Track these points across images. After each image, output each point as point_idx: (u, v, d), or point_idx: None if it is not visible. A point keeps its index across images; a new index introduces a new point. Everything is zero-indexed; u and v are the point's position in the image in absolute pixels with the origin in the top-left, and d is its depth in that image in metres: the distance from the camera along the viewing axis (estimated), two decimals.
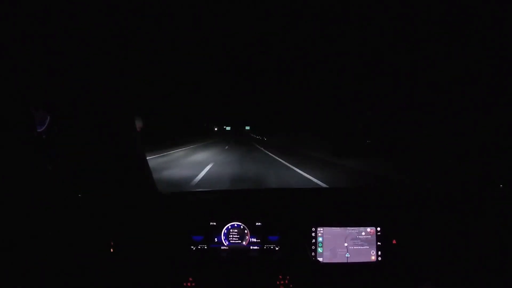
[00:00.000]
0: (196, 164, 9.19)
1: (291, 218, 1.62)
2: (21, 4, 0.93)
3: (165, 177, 6.36)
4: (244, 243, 1.59)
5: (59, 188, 1.30)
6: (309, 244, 1.58)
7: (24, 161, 1.12)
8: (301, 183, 6.35)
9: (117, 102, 1.42)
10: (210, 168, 8.04)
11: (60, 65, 1.18)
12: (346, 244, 1.59)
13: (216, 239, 1.59)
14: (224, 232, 1.59)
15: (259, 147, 22.51)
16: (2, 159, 1.04)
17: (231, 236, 1.59)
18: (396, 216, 1.64)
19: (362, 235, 1.60)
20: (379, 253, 1.59)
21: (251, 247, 1.59)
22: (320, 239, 1.58)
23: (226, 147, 20.99)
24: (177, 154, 13.14)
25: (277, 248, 1.58)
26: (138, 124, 1.49)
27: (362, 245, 1.59)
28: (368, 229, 1.61)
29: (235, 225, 1.60)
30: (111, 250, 1.45)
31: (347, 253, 1.58)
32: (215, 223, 1.60)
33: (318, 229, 1.59)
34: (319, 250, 1.58)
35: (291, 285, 1.49)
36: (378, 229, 1.61)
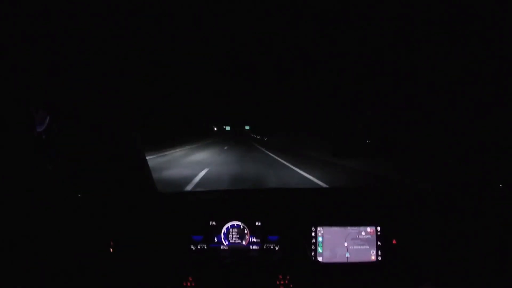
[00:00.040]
0: (195, 164, 9.19)
1: (291, 218, 1.61)
2: (21, 4, 0.93)
3: (162, 178, 6.37)
4: (244, 243, 1.59)
5: (58, 188, 1.30)
6: (309, 244, 1.58)
7: (23, 161, 1.12)
8: (304, 183, 6.36)
9: (117, 102, 1.42)
10: (206, 173, 8.00)
11: (60, 65, 1.18)
12: (346, 244, 1.59)
13: (215, 239, 1.58)
14: (223, 232, 1.59)
15: (259, 147, 22.03)
16: (2, 159, 1.04)
17: (231, 236, 1.59)
18: (396, 216, 1.64)
19: (362, 235, 1.60)
20: (379, 253, 1.59)
21: (251, 247, 1.59)
22: (320, 239, 1.58)
23: (226, 147, 20.26)
24: (176, 154, 13.14)
25: (277, 248, 1.58)
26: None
27: (362, 245, 1.59)
28: (368, 229, 1.60)
29: (235, 225, 1.60)
30: (111, 250, 1.45)
31: (347, 253, 1.58)
32: (214, 223, 1.59)
33: (318, 228, 1.59)
34: (319, 250, 1.57)
35: (291, 285, 1.49)
36: (378, 229, 1.61)
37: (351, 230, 1.60)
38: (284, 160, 11.19)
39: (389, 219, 1.62)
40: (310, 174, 7.42)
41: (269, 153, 15.61)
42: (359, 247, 1.59)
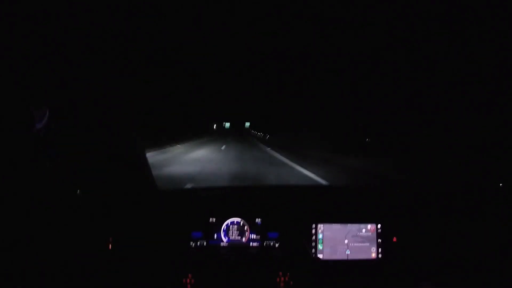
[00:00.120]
0: (190, 163, 9.19)
1: (291, 214, 1.61)
2: (21, 4, 0.93)
3: (162, 174, 6.37)
4: (243, 239, 1.59)
5: (57, 185, 1.30)
6: (309, 241, 1.58)
7: (23, 160, 1.11)
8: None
9: (117, 100, 1.42)
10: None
11: (60, 65, 1.18)
12: (346, 241, 1.58)
13: (215, 235, 1.58)
14: (223, 229, 1.59)
15: (263, 145, 20.46)
16: (1, 158, 1.04)
17: (231, 232, 1.59)
18: (396, 213, 1.64)
19: (362, 232, 1.60)
20: (380, 250, 1.59)
21: (251, 244, 1.58)
22: (320, 236, 1.58)
23: (223, 147, 17.35)
24: (176, 151, 13.14)
25: (277, 245, 1.57)
26: None
27: (362, 242, 1.59)
28: (369, 226, 1.60)
29: (235, 221, 1.60)
30: (110, 247, 1.44)
31: (348, 250, 1.58)
32: (214, 220, 1.59)
33: (318, 225, 1.59)
34: (319, 247, 1.57)
35: (291, 282, 1.49)
36: (379, 226, 1.61)
37: (352, 227, 1.60)
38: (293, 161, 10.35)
39: (390, 217, 1.62)
40: (313, 173, 7.42)
41: (278, 154, 13.29)
42: (360, 244, 1.59)
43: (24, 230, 1.11)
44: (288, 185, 3.17)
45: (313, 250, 1.57)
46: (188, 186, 5.19)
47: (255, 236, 1.59)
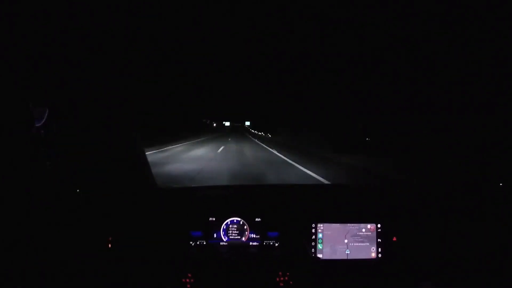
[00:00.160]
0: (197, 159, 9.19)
1: (290, 214, 1.61)
2: (21, 4, 0.92)
3: (162, 172, 6.37)
4: (243, 239, 1.58)
5: (57, 185, 1.30)
6: (309, 240, 1.57)
7: (22, 159, 1.11)
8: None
9: (117, 100, 1.42)
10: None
11: (60, 65, 1.17)
12: (346, 241, 1.58)
13: (215, 235, 1.58)
14: (223, 228, 1.58)
15: (266, 146, 18.40)
16: (1, 157, 1.04)
17: (230, 232, 1.59)
18: (396, 213, 1.64)
19: (362, 232, 1.59)
20: (379, 250, 1.59)
21: (251, 243, 1.58)
22: (320, 235, 1.58)
23: (221, 148, 15.25)
24: (176, 149, 13.15)
25: (276, 244, 1.57)
26: None
27: (362, 242, 1.59)
28: (369, 226, 1.60)
29: (235, 220, 1.59)
30: (109, 246, 1.44)
31: (347, 250, 1.57)
32: (214, 219, 1.59)
33: (318, 225, 1.59)
34: (319, 246, 1.57)
35: (290, 282, 1.48)
36: (379, 226, 1.61)
37: (351, 226, 1.60)
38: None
39: (390, 217, 1.62)
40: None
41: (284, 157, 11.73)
42: (359, 244, 1.58)
43: (24, 229, 1.11)
44: (287, 184, 3.16)
45: (313, 250, 1.57)
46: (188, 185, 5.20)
47: (254, 235, 1.59)
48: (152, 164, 1.64)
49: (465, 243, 1.57)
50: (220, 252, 1.56)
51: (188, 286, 1.46)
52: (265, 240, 1.58)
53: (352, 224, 1.60)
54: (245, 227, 1.59)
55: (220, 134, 40.19)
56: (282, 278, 1.48)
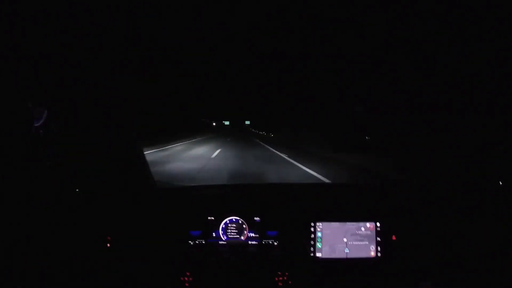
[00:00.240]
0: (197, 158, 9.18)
1: (289, 213, 1.61)
2: (20, 4, 0.92)
3: (163, 171, 6.35)
4: (242, 238, 1.58)
5: (56, 184, 1.30)
6: (308, 239, 1.57)
7: (22, 159, 1.11)
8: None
9: (116, 100, 1.42)
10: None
11: (59, 65, 1.17)
12: (345, 240, 1.58)
13: (214, 234, 1.58)
14: (222, 227, 1.58)
15: (269, 147, 16.19)
16: (0, 157, 1.04)
17: (229, 231, 1.58)
18: (395, 212, 1.64)
19: (361, 231, 1.59)
20: (379, 249, 1.58)
21: (250, 242, 1.58)
22: (319, 234, 1.58)
23: (217, 151, 11.78)
24: (176, 148, 13.14)
25: (275, 243, 1.57)
26: None
27: (361, 241, 1.58)
28: (368, 225, 1.60)
29: (233, 220, 1.59)
30: (108, 245, 1.44)
31: (346, 249, 1.57)
32: (213, 218, 1.58)
33: (317, 224, 1.58)
34: (318, 245, 1.57)
35: (289, 282, 1.48)
36: (378, 224, 1.60)
37: (351, 225, 1.59)
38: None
39: (389, 215, 1.62)
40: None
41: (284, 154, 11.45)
42: (359, 242, 1.58)
43: (24, 229, 1.10)
44: (286, 183, 3.16)
45: (312, 249, 1.56)
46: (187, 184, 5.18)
47: (253, 234, 1.58)
48: (152, 163, 1.63)
49: (465, 242, 1.56)
50: (219, 251, 1.55)
51: (187, 284, 1.45)
52: (264, 239, 1.57)
53: (351, 223, 1.59)
54: (244, 226, 1.58)
55: (219, 134, 39.12)
56: (281, 278, 1.48)
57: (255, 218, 1.59)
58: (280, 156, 11.36)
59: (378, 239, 1.59)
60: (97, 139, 1.43)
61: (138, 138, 1.52)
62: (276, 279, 1.48)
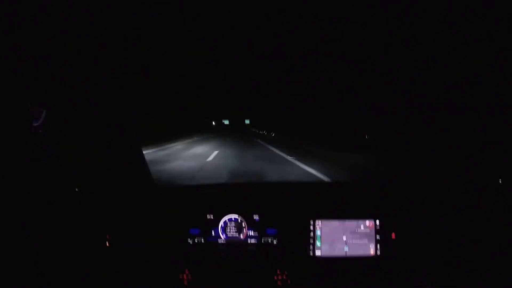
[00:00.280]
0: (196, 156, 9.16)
1: (288, 211, 1.60)
2: (21, 4, 0.92)
3: (163, 170, 6.35)
4: (241, 236, 1.58)
5: (55, 183, 1.29)
6: (307, 237, 1.57)
7: (20, 157, 1.11)
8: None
9: (115, 100, 1.42)
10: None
11: (58, 65, 1.17)
12: (344, 238, 1.58)
13: (213, 232, 1.57)
14: (221, 226, 1.58)
15: (274, 149, 14.71)
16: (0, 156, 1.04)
17: (228, 229, 1.58)
18: (395, 210, 1.63)
19: (361, 229, 1.59)
20: (378, 247, 1.58)
21: (249, 241, 1.58)
22: (318, 232, 1.57)
23: (215, 153, 10.00)
24: (176, 147, 13.16)
25: (275, 242, 1.57)
26: None
27: (360, 239, 1.58)
28: (367, 223, 1.60)
29: (233, 218, 1.59)
30: (107, 244, 1.44)
31: (346, 247, 1.57)
32: (212, 217, 1.58)
33: (316, 222, 1.58)
34: (317, 243, 1.56)
35: (288, 281, 1.48)
36: (377, 222, 1.60)
37: (350, 223, 1.59)
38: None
39: (388, 213, 1.62)
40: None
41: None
42: (358, 241, 1.58)
43: (23, 229, 1.10)
44: (285, 182, 3.16)
45: (311, 247, 1.56)
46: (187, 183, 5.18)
47: (253, 232, 1.58)
48: (152, 162, 1.62)
49: (464, 240, 1.56)
50: (218, 250, 1.55)
51: (185, 283, 1.45)
52: (263, 238, 1.57)
53: (351, 221, 1.59)
54: (243, 224, 1.58)
55: (218, 133, 37.90)
56: (280, 277, 1.48)
57: (254, 217, 1.59)
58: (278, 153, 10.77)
59: (378, 237, 1.58)
60: (96, 138, 1.43)
61: (137, 138, 1.52)
62: (275, 278, 1.48)
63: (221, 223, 1.58)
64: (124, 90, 1.48)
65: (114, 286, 1.42)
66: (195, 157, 9.29)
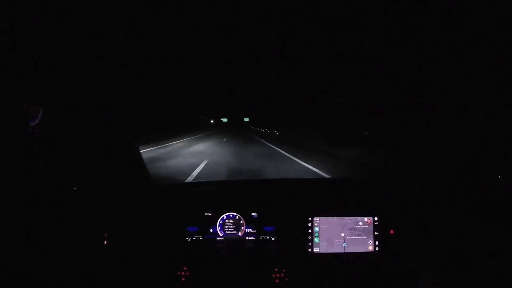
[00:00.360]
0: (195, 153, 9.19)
1: (287, 208, 1.60)
2: (21, 4, 0.92)
3: (163, 167, 6.35)
4: (239, 234, 1.58)
5: (53, 183, 1.29)
6: (305, 234, 1.57)
7: (18, 157, 1.11)
8: None
9: (114, 99, 1.41)
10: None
11: (56, 64, 1.17)
12: (343, 234, 1.58)
13: (211, 230, 1.57)
14: (219, 223, 1.58)
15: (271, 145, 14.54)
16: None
17: (227, 226, 1.58)
18: (393, 206, 1.63)
19: (359, 225, 1.59)
20: (377, 243, 1.58)
21: (247, 238, 1.57)
22: (316, 229, 1.57)
23: (202, 164, 6.92)
24: (176, 145, 13.17)
25: (273, 239, 1.57)
26: None
27: (359, 235, 1.58)
28: (365, 219, 1.60)
29: (231, 215, 1.59)
30: (105, 242, 1.44)
31: (344, 243, 1.57)
32: (210, 214, 1.58)
33: (315, 219, 1.58)
34: (316, 240, 1.56)
35: (286, 279, 1.48)
36: (376, 219, 1.60)
37: (348, 220, 1.59)
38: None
39: (386, 209, 1.62)
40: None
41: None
42: (356, 237, 1.58)
43: (21, 229, 1.10)
44: (283, 179, 3.15)
45: (309, 244, 1.56)
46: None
47: (251, 230, 1.58)
48: (154, 159, 1.62)
49: (462, 236, 1.56)
50: (216, 247, 1.55)
51: (183, 279, 1.46)
52: (262, 235, 1.57)
53: (349, 218, 1.59)
54: (241, 222, 1.58)
55: (215, 132, 34.98)
56: (278, 275, 1.48)
57: (252, 214, 1.59)
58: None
59: (376, 233, 1.59)
60: (94, 137, 1.43)
61: (135, 137, 1.52)
62: (273, 275, 1.48)
63: (219, 220, 1.58)
64: (123, 89, 1.48)
65: (112, 284, 1.42)
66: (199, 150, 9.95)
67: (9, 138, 1.07)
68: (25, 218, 1.12)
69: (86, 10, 1.10)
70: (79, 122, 1.36)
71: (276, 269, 1.48)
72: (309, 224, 1.57)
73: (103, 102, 1.39)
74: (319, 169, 6.87)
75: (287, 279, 1.48)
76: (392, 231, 1.59)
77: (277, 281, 1.47)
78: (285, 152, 11.23)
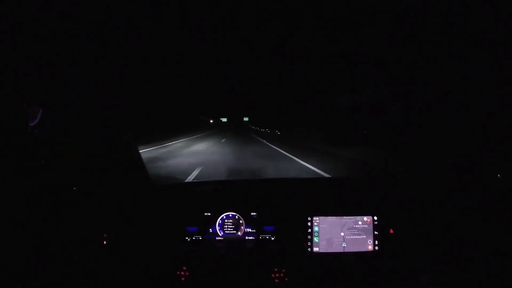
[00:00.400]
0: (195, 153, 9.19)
1: (286, 208, 1.60)
2: (21, 4, 0.92)
3: (164, 166, 6.35)
4: (239, 233, 1.58)
5: (52, 183, 1.29)
6: (305, 234, 1.57)
7: (17, 157, 1.11)
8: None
9: (113, 99, 1.41)
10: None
11: (56, 64, 1.17)
12: (342, 234, 1.58)
13: (211, 229, 1.57)
14: (218, 223, 1.58)
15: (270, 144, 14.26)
16: None
17: (226, 226, 1.58)
18: (393, 205, 1.63)
19: (359, 225, 1.59)
20: (376, 242, 1.58)
21: (247, 238, 1.58)
22: (316, 228, 1.57)
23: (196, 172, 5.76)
24: (176, 145, 13.17)
25: (272, 239, 1.57)
26: None
27: (359, 235, 1.58)
28: (365, 218, 1.60)
29: (230, 215, 1.59)
30: (104, 242, 1.44)
31: (344, 243, 1.57)
32: (209, 214, 1.58)
33: (314, 218, 1.58)
34: (315, 239, 1.56)
35: (286, 278, 1.48)
36: (375, 218, 1.60)
37: (348, 219, 1.59)
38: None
39: (386, 209, 1.62)
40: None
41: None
42: (356, 236, 1.58)
43: (21, 228, 1.10)
44: (282, 178, 3.15)
45: (309, 243, 1.56)
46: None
47: (250, 230, 1.58)
48: (154, 159, 1.62)
49: (463, 236, 1.56)
50: (216, 247, 1.55)
51: (183, 279, 1.46)
52: (261, 235, 1.57)
53: (349, 217, 1.59)
54: (241, 221, 1.58)
55: (214, 132, 33.66)
56: (277, 275, 1.48)
57: (252, 214, 1.59)
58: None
59: (376, 233, 1.59)
60: (94, 137, 1.43)
61: (135, 137, 1.52)
62: (273, 275, 1.48)
63: (219, 220, 1.58)
64: (123, 89, 1.48)
65: (112, 284, 1.42)
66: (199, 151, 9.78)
67: (9, 138, 1.07)
68: (25, 218, 1.12)
69: (86, 10, 1.10)
70: (79, 122, 1.36)
71: (276, 269, 1.48)
72: (309, 223, 1.57)
73: (103, 102, 1.39)
74: (319, 169, 6.90)
75: (286, 279, 1.48)
76: (391, 231, 1.59)
77: (276, 280, 1.47)
78: (285, 152, 11.30)
